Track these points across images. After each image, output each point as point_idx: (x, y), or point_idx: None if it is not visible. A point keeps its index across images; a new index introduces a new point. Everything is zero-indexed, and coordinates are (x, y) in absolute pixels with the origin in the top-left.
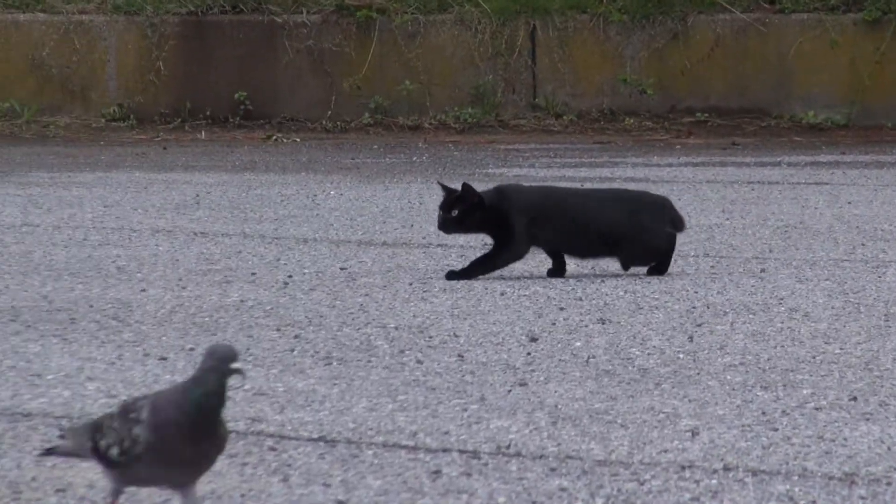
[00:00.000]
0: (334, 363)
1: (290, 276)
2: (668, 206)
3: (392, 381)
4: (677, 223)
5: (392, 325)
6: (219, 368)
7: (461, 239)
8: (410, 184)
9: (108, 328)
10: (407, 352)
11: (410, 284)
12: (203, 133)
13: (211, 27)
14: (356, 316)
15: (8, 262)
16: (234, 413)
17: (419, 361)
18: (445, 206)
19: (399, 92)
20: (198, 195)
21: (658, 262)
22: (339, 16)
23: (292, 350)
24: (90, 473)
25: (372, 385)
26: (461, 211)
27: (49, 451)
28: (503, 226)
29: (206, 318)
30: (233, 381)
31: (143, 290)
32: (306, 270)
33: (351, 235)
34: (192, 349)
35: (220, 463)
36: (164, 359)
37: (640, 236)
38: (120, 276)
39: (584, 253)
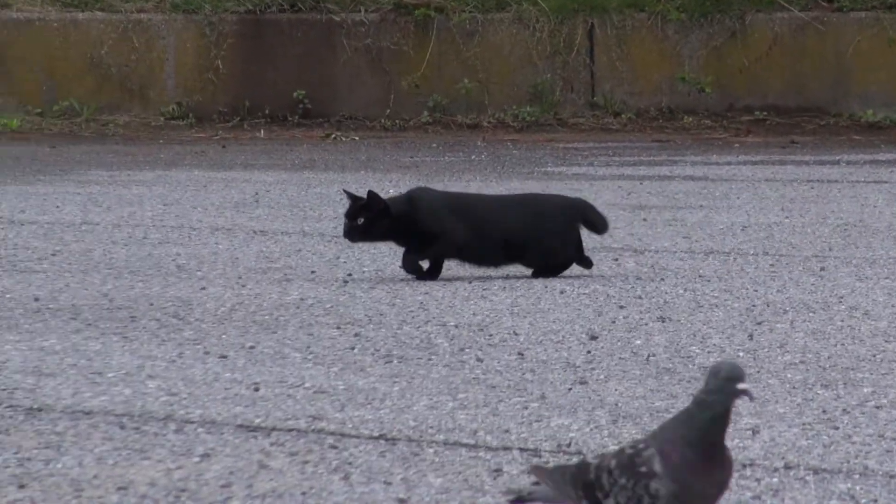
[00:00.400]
0: (395, 361)
1: (349, 275)
2: (582, 209)
3: (452, 380)
4: (598, 225)
5: (452, 324)
6: (725, 389)
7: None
8: (469, 182)
9: (168, 326)
10: (467, 350)
11: (470, 282)
12: (262, 131)
13: (269, 25)
14: (416, 314)
15: (68, 260)
16: (295, 411)
17: (479, 359)
18: (351, 214)
19: (457, 90)
20: (257, 193)
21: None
22: (398, 14)
23: (353, 348)
24: (151, 471)
25: (432, 383)
26: (367, 219)
27: (519, 500)
28: (413, 232)
29: (266, 316)
30: (294, 379)
31: (203, 289)
32: (366, 268)
33: None
34: (251, 347)
35: (281, 461)
36: (224, 357)
37: (544, 242)
38: (180, 275)
39: (488, 261)
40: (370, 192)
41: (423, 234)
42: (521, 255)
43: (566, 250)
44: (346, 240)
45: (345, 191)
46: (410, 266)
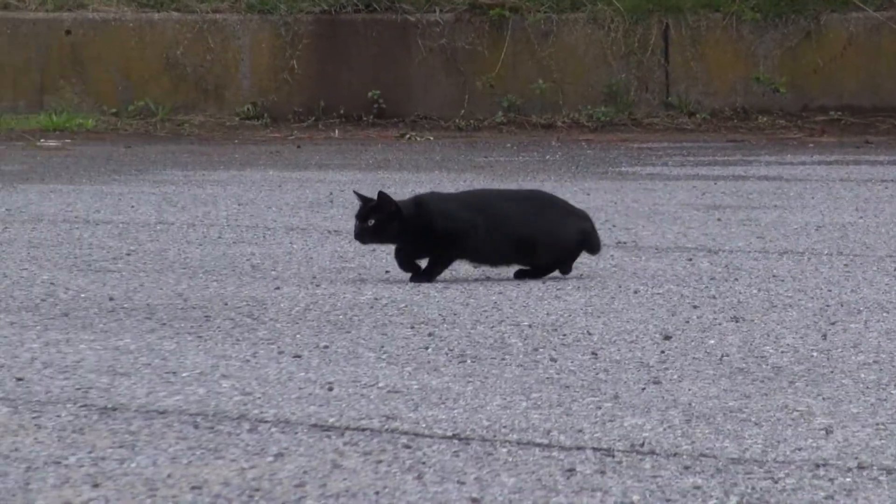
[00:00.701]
0: (468, 361)
1: None
2: (586, 221)
3: (526, 379)
4: (594, 246)
5: (526, 323)
6: None
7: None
8: (544, 182)
9: (242, 326)
10: (541, 350)
11: (544, 282)
12: (337, 131)
13: (344, 26)
14: (490, 314)
15: (143, 259)
16: (369, 411)
17: (553, 359)
18: (362, 216)
19: (532, 90)
20: (331, 193)
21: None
22: (472, 14)
23: (426, 348)
24: (225, 471)
25: (506, 383)
26: (378, 220)
27: None
28: (424, 235)
29: (341, 316)
30: (368, 378)
31: (278, 288)
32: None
33: None
34: (325, 347)
35: (355, 460)
36: (299, 357)
37: (555, 238)
38: (254, 274)
39: (498, 260)
40: (380, 193)
41: (438, 236)
42: (531, 253)
43: (572, 248)
44: (357, 241)
45: (355, 192)
46: (407, 266)
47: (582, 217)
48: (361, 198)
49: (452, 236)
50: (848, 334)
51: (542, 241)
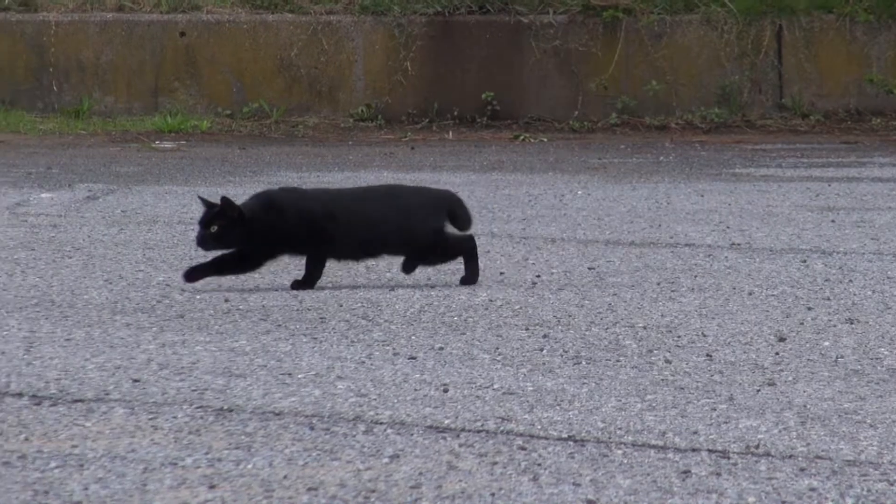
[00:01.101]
0: (583, 363)
1: (538, 276)
2: (447, 201)
3: (640, 381)
4: (462, 221)
5: (640, 325)
6: None
7: (709, 238)
8: (658, 184)
9: (357, 327)
10: (655, 351)
11: (658, 284)
12: (450, 133)
13: (457, 27)
14: (604, 315)
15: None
16: (484, 412)
17: (667, 361)
18: (205, 222)
19: (645, 92)
20: None
21: (425, 256)
22: (586, 16)
23: (541, 349)
24: (341, 472)
25: (620, 385)
26: (220, 227)
27: None
28: (273, 239)
29: (455, 318)
30: (483, 380)
31: (392, 290)
32: (554, 270)
33: (598, 235)
34: (440, 348)
35: (470, 462)
36: (414, 358)
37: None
38: (369, 276)
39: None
40: (223, 198)
41: (295, 239)
42: (385, 245)
43: (423, 240)
44: (200, 248)
45: (199, 197)
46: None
47: (439, 200)
48: (205, 203)
49: (314, 231)
50: None
51: (397, 226)
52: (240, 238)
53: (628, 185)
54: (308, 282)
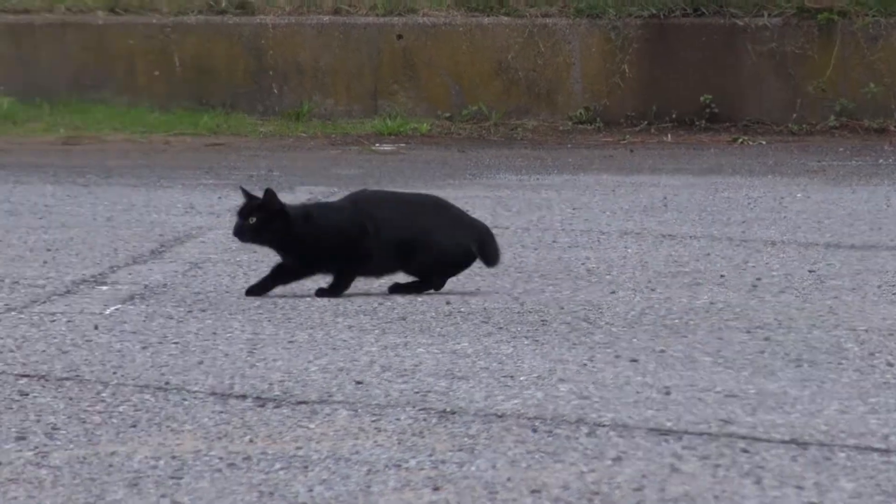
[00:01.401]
0: (804, 365)
1: (758, 279)
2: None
3: (863, 384)
4: (490, 257)
5: (862, 328)
6: None
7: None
8: (877, 186)
9: (578, 330)
10: (877, 354)
11: (879, 287)
12: (669, 136)
13: (672, 30)
14: (825, 318)
15: (477, 263)
16: (706, 415)
17: (890, 364)
18: (244, 213)
19: (863, 95)
20: (665, 197)
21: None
22: (800, 18)
23: (762, 352)
24: (564, 474)
25: (843, 388)
26: (259, 219)
27: None
28: (302, 245)
29: (676, 321)
30: (704, 383)
31: (613, 293)
32: (774, 273)
33: (818, 238)
34: (662, 351)
35: (693, 464)
36: (635, 361)
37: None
38: (589, 279)
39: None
40: (267, 191)
41: (324, 250)
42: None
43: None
44: (236, 238)
45: (241, 188)
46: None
47: (473, 230)
48: (246, 194)
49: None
50: None
51: (421, 246)
52: (279, 235)
53: (848, 188)
54: (336, 289)
